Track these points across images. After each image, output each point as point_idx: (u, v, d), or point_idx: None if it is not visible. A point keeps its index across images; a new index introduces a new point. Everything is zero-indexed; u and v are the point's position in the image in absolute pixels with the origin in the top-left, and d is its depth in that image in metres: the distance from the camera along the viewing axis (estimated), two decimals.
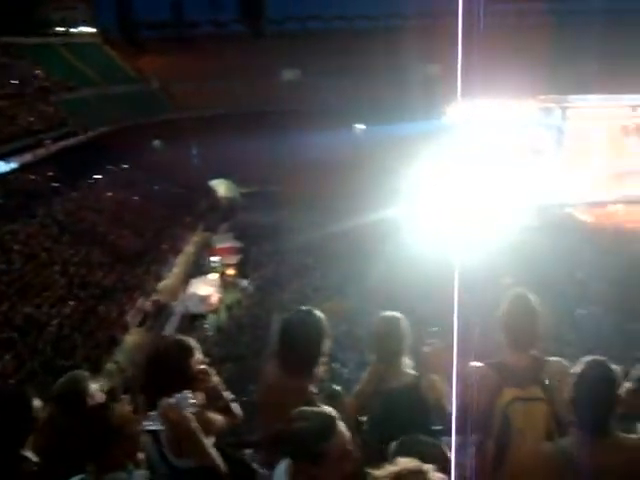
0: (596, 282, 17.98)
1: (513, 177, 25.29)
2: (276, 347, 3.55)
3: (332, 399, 3.48)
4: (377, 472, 1.75)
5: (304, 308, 3.54)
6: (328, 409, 2.72)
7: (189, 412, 2.99)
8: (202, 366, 3.27)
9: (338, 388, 3.66)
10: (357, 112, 25.11)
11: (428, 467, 1.75)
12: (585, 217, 24.41)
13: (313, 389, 3.45)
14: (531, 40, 26.15)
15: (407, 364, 3.92)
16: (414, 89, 24.31)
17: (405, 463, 1.75)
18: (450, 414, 3.54)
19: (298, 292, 16.56)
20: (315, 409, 2.74)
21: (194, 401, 3.03)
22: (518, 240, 19.97)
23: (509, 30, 27.04)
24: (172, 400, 2.97)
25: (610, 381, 3.09)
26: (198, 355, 3.28)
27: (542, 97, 25.79)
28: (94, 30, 35.68)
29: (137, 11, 36.26)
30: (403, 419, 3.62)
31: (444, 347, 4.01)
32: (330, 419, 2.62)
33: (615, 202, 25.59)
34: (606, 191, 26.38)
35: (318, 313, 3.52)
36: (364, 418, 3.98)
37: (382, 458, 2.43)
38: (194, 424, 2.98)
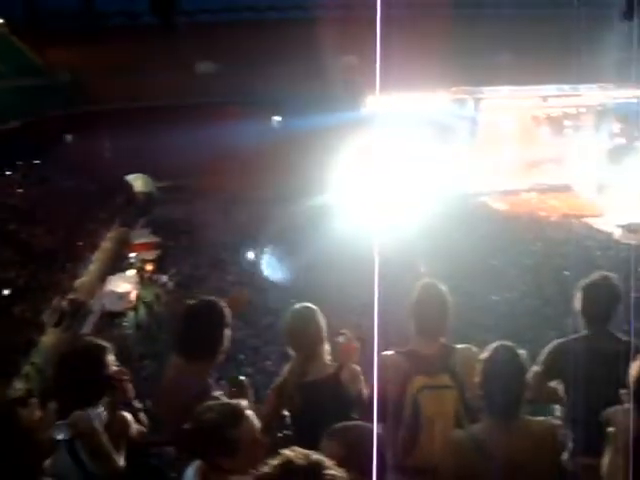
0: (511, 268, 18.47)
1: (428, 167, 25.78)
2: (178, 336, 3.59)
3: (237, 388, 3.48)
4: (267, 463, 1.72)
5: (207, 297, 3.61)
6: (234, 401, 2.70)
7: (98, 425, 2.94)
8: (116, 368, 3.21)
9: (242, 378, 3.65)
10: (274, 104, 25.01)
11: (321, 459, 1.73)
12: (499, 205, 25.04)
13: (211, 377, 3.47)
14: (445, 32, 26.52)
15: (327, 355, 3.93)
16: (332, 81, 24.39)
17: (295, 455, 1.72)
18: (369, 404, 3.57)
19: (216, 287, 16.43)
20: (220, 401, 2.73)
21: (105, 414, 2.99)
22: (434, 228, 20.36)
23: (424, 22, 27.37)
24: (83, 413, 2.92)
25: (518, 366, 3.17)
26: (111, 356, 3.21)
27: (455, 89, 26.29)
28: (1, 20, 34.39)
29: (46, 1, 35.18)
30: (324, 411, 3.61)
31: (356, 337, 4.04)
32: (237, 407, 2.60)
33: (528, 190, 26.35)
34: (519, 180, 27.17)
35: (220, 302, 3.58)
36: (286, 412, 3.98)
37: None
38: (104, 437, 2.94)
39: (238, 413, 2.56)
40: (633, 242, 20.44)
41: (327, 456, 1.76)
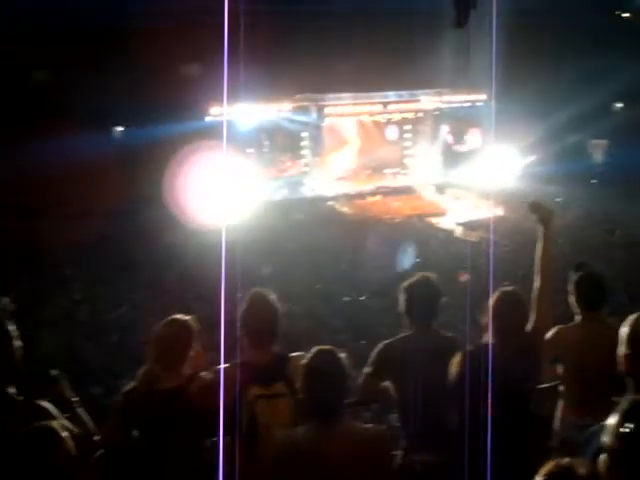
0: (359, 270, 18.89)
1: (274, 173, 26.03)
2: None
3: (51, 383, 3.38)
4: None
5: None
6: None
7: None
8: None
9: (56, 372, 3.55)
10: (115, 114, 24.28)
11: None
12: (346, 209, 25.58)
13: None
14: (288, 40, 26.79)
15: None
16: (176, 89, 23.98)
17: None
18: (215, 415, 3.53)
19: (59, 306, 15.78)
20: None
21: None
22: (284, 234, 20.58)
23: (267, 31, 27.47)
24: None
25: (337, 370, 3.24)
26: None
27: (299, 96, 26.62)
28: None
29: None
30: (173, 420, 3.55)
31: (200, 349, 4.00)
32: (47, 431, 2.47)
33: (373, 194, 27.08)
34: (364, 184, 27.91)
35: None
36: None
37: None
38: None
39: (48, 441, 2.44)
40: (473, 239, 21.56)
41: None
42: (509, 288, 4.59)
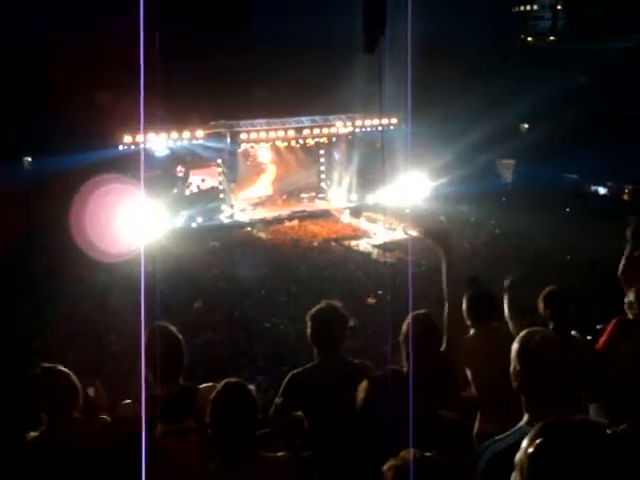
0: (279, 295, 18.83)
1: (185, 201, 25.87)
2: None
3: None
4: None
5: None
6: None
7: None
8: None
9: None
10: (25, 143, 23.69)
11: None
12: (263, 234, 25.53)
13: None
14: (201, 67, 26.77)
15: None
16: (87, 117, 23.53)
17: None
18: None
19: None
20: None
21: None
22: (200, 260, 20.39)
23: (181, 57, 27.37)
24: None
25: (245, 402, 3.18)
26: None
27: (213, 123, 26.54)
28: None
29: None
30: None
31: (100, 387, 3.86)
32: None
33: (290, 218, 27.13)
34: (281, 209, 27.98)
35: None
36: None
37: None
38: None
39: None
40: (389, 260, 21.85)
41: None
42: (421, 311, 4.63)
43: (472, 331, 5.22)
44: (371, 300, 15.84)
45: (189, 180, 26.49)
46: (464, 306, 5.17)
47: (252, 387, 3.23)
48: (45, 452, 3.39)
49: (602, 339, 5.14)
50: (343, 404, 3.66)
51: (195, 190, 26.72)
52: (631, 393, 3.42)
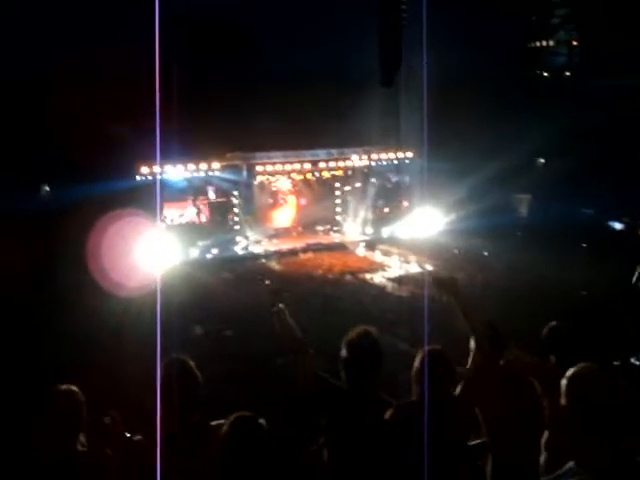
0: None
1: (199, 232, 25.95)
2: None
3: None
4: None
5: None
6: None
7: None
8: None
9: None
10: (43, 172, 23.94)
11: None
12: (278, 266, 25.53)
13: None
14: (219, 99, 27.04)
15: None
16: (105, 147, 23.81)
17: None
18: None
19: None
20: None
21: None
22: (212, 292, 20.38)
23: (198, 90, 27.70)
24: None
25: (258, 437, 3.16)
26: None
27: (229, 155, 26.74)
28: None
29: None
30: None
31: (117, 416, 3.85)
32: None
33: (305, 250, 27.14)
34: (296, 241, 28.02)
35: None
36: None
37: None
38: None
39: None
40: (403, 294, 21.75)
41: None
42: (435, 347, 4.63)
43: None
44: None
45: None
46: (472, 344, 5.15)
47: (262, 420, 3.21)
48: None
49: None
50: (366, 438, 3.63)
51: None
52: None
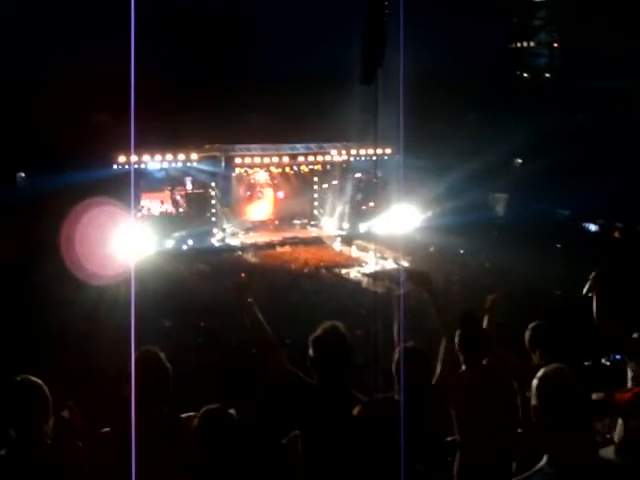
0: (269, 320, 18.71)
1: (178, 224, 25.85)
2: None
3: None
4: None
5: None
6: None
7: None
8: None
9: None
10: (19, 160, 23.68)
11: None
12: (254, 259, 25.47)
13: None
14: (198, 90, 26.92)
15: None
16: (83, 135, 23.61)
17: None
18: None
19: None
20: None
21: None
22: (187, 283, 20.30)
23: (177, 80, 27.53)
24: None
25: (227, 427, 3.15)
26: None
27: (208, 146, 26.62)
28: None
29: None
30: None
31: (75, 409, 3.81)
32: None
33: (282, 244, 27.10)
34: (273, 234, 27.97)
35: None
36: None
37: None
38: None
39: None
40: (379, 289, 21.79)
41: None
42: (409, 344, 4.64)
43: (463, 367, 5.23)
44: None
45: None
46: (456, 341, 5.19)
47: (232, 411, 3.18)
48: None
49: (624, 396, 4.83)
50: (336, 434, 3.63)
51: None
52: None
